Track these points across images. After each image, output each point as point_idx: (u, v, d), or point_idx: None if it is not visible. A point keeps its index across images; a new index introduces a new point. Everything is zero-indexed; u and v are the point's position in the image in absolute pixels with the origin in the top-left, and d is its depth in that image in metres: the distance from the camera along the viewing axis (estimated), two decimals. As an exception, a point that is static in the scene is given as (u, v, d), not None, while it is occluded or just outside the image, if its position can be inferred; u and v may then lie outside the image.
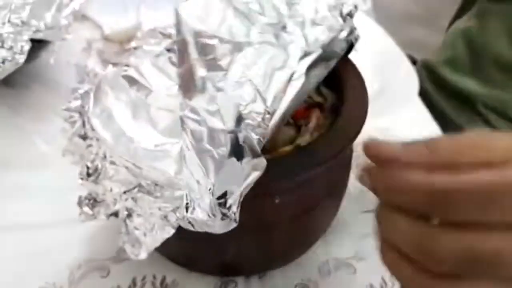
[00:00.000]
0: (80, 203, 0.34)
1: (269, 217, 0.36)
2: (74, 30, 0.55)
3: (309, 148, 0.35)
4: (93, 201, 0.33)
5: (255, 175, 0.29)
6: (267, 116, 0.31)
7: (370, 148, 0.25)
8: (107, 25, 0.58)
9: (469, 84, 0.66)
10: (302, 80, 0.33)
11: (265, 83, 0.32)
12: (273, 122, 0.31)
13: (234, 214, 0.29)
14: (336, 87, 0.41)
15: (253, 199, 0.34)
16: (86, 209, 0.33)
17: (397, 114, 0.57)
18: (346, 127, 0.36)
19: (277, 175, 0.32)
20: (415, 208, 0.23)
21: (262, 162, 0.29)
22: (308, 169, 0.33)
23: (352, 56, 0.44)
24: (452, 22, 0.77)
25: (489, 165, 0.22)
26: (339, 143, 0.35)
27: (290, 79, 0.33)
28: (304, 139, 0.37)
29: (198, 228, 0.29)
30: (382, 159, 0.25)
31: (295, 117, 0.39)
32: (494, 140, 0.24)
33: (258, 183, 0.32)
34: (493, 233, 0.22)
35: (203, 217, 0.29)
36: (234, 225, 0.29)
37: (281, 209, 0.36)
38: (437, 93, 0.69)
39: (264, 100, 0.31)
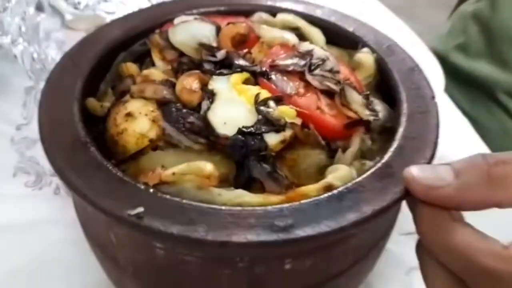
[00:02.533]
0: None
1: (274, 286, 0.26)
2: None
3: (346, 194, 0.24)
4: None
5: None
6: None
7: (409, 183, 0.23)
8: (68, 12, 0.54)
9: (485, 69, 0.58)
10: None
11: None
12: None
13: None
14: (392, 101, 0.30)
15: (254, 260, 0.24)
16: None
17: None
18: (407, 161, 0.25)
19: (289, 230, 0.22)
20: (451, 268, 0.23)
21: None
22: (337, 229, 0.22)
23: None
24: (457, 5, 0.69)
25: None
26: (394, 190, 0.24)
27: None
28: (338, 175, 0.26)
29: None
30: (418, 193, 0.23)
31: (328, 136, 0.28)
32: None
33: (261, 240, 0.22)
34: None
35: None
36: None
37: (292, 277, 0.26)
38: (449, 83, 0.62)
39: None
